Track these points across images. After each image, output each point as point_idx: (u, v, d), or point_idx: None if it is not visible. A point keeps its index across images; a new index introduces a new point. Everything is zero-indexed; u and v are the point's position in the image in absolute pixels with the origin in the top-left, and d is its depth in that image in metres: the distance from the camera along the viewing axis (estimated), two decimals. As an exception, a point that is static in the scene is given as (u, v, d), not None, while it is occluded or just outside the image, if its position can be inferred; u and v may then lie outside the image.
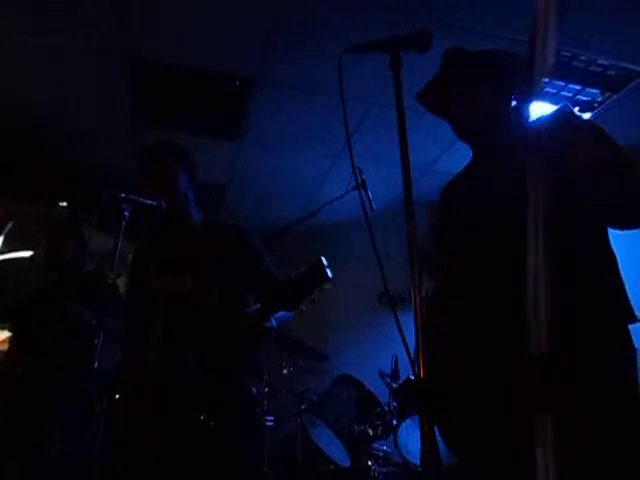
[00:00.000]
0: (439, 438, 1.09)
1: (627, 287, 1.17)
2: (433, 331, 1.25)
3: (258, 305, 1.71)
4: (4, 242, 3.83)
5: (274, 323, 1.73)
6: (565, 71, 2.91)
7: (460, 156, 4.37)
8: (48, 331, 2.73)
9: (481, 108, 1.38)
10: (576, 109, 3.22)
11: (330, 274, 1.48)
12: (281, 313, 1.72)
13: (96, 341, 2.05)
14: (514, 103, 1.40)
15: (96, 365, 2.03)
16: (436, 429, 1.13)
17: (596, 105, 3.22)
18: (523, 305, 1.04)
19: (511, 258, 1.07)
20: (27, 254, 3.92)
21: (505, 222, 1.14)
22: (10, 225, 3.83)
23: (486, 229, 1.26)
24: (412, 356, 1.04)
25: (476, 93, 1.37)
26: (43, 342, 2.72)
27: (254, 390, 1.89)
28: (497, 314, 1.16)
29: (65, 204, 3.95)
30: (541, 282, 1.02)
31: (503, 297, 1.14)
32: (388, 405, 3.05)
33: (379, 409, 3.00)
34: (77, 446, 2.50)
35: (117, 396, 2.11)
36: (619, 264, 1.19)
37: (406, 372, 3.14)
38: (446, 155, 3.92)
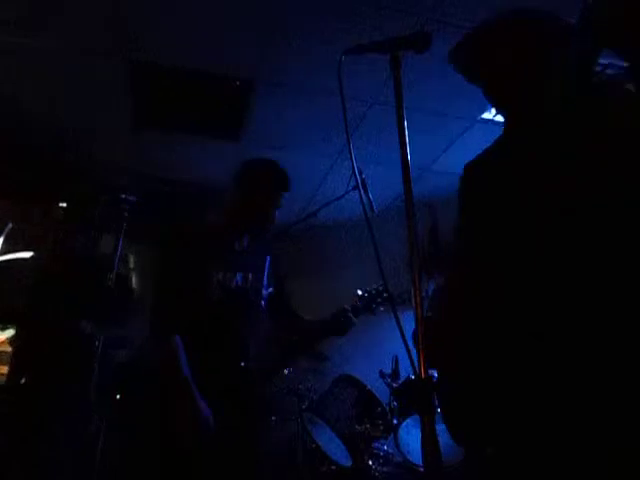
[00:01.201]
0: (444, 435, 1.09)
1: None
2: (445, 332, 1.19)
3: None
4: (4, 243, 3.83)
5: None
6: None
7: (459, 156, 4.39)
8: (49, 343, 2.74)
9: (521, 72, 1.21)
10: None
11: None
12: None
13: (96, 344, 2.06)
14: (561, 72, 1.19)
15: (96, 369, 2.04)
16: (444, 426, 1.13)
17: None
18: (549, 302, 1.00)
19: (546, 255, 1.01)
20: (27, 255, 3.92)
21: (539, 212, 1.05)
22: (10, 226, 3.83)
23: (517, 219, 1.13)
24: (412, 356, 1.04)
25: (518, 54, 1.21)
26: (44, 353, 2.73)
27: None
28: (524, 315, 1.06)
29: (65, 205, 3.95)
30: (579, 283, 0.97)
31: (528, 296, 1.05)
32: (389, 405, 3.05)
33: (379, 409, 3.00)
34: (76, 446, 2.51)
35: (117, 396, 2.13)
36: None
37: (406, 372, 3.14)
38: (445, 155, 3.93)
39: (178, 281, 1.84)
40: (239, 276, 1.91)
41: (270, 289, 2.00)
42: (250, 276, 1.93)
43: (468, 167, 1.39)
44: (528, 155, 1.16)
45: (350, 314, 2.02)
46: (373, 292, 2.01)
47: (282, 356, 1.97)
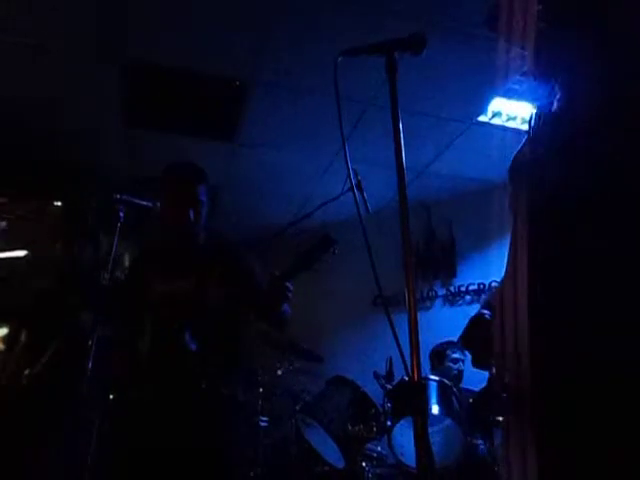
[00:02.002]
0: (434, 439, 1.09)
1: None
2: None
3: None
4: (-2, 241, 3.81)
5: (289, 310, 1.95)
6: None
7: (455, 158, 4.39)
8: (45, 342, 2.73)
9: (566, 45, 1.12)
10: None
11: (334, 239, 1.81)
12: (286, 307, 1.91)
13: (90, 342, 2.06)
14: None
15: (90, 365, 2.04)
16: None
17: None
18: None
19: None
20: (21, 253, 3.91)
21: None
22: (4, 224, 3.81)
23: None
24: (405, 358, 1.04)
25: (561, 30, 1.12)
26: (43, 354, 2.72)
27: (240, 397, 1.93)
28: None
29: (60, 204, 3.93)
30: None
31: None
32: (382, 406, 3.05)
33: (373, 410, 3.00)
34: (71, 446, 2.50)
35: (111, 396, 2.13)
36: None
37: (401, 373, 3.14)
38: (442, 157, 3.94)
39: (126, 288, 2.12)
40: (177, 280, 1.93)
41: (226, 288, 1.95)
42: (192, 279, 1.93)
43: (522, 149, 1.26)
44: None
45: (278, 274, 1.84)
46: (314, 245, 1.82)
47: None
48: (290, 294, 1.84)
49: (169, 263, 2.02)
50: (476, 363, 1.36)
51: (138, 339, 1.92)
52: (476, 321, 1.34)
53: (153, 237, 2.17)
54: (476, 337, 1.33)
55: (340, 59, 1.18)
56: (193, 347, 1.79)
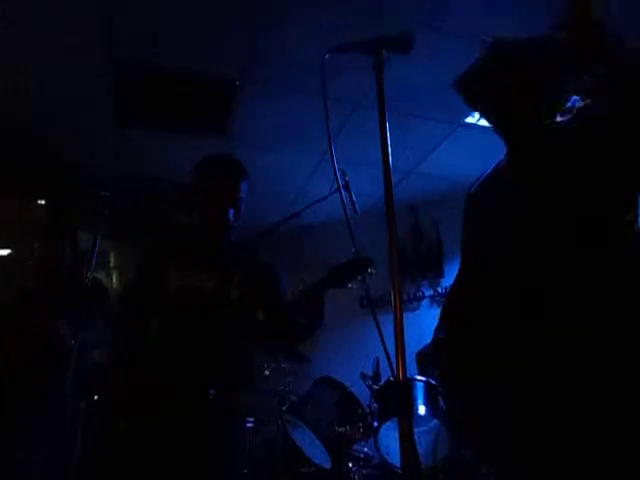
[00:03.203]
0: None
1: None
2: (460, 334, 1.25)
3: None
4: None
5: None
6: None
7: (443, 159, 4.41)
8: (25, 343, 2.69)
9: (522, 104, 1.29)
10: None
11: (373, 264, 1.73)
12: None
13: (72, 343, 2.04)
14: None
15: (71, 370, 2.01)
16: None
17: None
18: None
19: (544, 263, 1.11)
20: (5, 252, 3.85)
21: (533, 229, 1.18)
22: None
23: (515, 234, 1.26)
24: (391, 358, 1.04)
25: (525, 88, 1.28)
26: (20, 352, 2.68)
27: (240, 405, 1.91)
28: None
29: (44, 202, 3.88)
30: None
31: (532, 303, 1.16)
32: (369, 407, 3.05)
33: (360, 411, 3.00)
34: (51, 451, 2.47)
35: (95, 397, 2.10)
36: None
37: (388, 374, 3.14)
38: (429, 158, 3.95)
39: (138, 282, 1.97)
40: (200, 276, 1.87)
41: (246, 288, 1.92)
42: (216, 276, 1.87)
43: (473, 191, 1.58)
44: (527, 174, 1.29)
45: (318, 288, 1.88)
46: (352, 263, 1.79)
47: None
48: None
49: (193, 259, 1.92)
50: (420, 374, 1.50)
51: (146, 333, 1.87)
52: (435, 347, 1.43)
53: (170, 229, 2.07)
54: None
55: (327, 56, 1.17)
56: (207, 348, 1.77)
